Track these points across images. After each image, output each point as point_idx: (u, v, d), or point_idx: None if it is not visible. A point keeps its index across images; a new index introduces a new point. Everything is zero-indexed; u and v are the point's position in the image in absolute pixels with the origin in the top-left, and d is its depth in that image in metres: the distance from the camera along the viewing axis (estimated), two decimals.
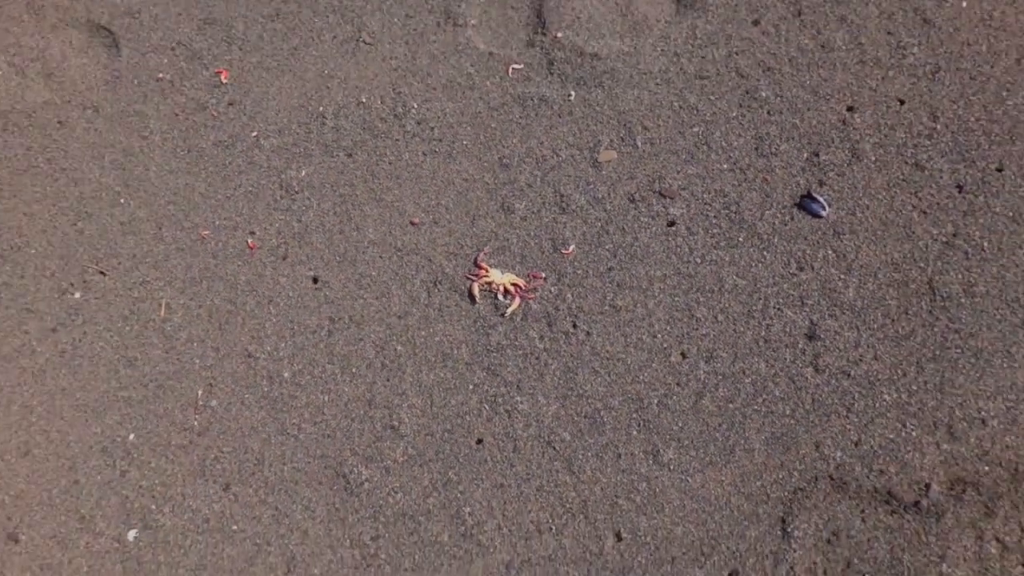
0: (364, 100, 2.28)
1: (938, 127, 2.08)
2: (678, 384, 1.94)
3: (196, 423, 2.06)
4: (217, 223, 2.22)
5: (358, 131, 2.26)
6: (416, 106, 2.26)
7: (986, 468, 1.80)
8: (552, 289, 2.06)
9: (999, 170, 2.02)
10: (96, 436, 2.08)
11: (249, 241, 2.20)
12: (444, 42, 2.31)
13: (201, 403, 2.07)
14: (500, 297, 2.07)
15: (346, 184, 2.21)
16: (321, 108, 2.29)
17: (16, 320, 2.19)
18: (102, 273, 2.21)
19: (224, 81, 2.35)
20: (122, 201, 2.27)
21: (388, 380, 2.03)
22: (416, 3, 2.34)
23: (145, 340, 2.14)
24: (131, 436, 2.07)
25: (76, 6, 2.45)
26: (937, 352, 1.89)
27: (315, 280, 2.15)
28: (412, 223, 2.16)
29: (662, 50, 2.23)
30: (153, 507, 2.01)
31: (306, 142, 2.26)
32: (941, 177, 2.03)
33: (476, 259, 2.10)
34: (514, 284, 2.06)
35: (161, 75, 2.37)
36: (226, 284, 2.16)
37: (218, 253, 2.20)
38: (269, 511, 1.97)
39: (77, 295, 2.20)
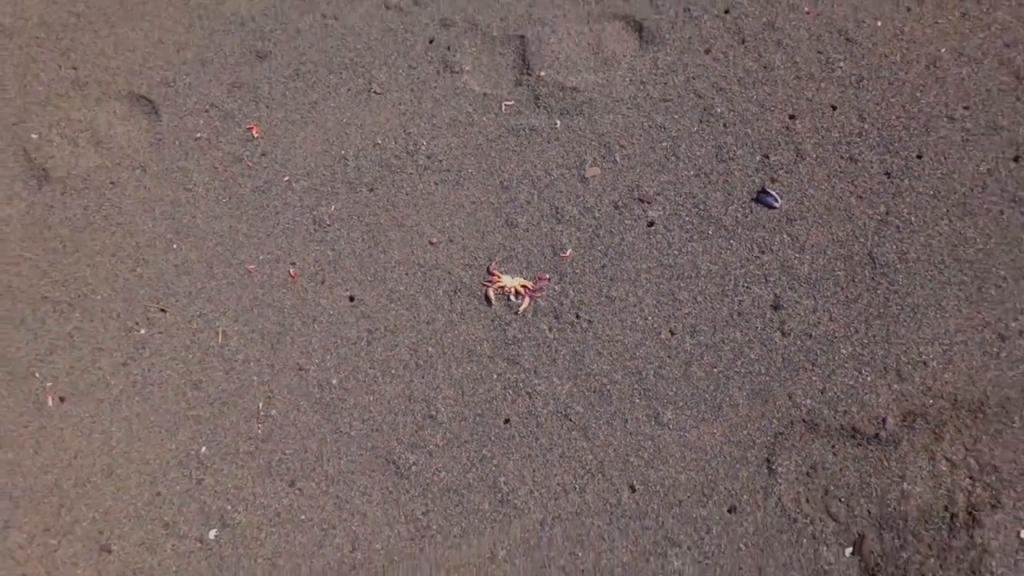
0: (379, 142, 2.62)
1: (866, 126, 2.47)
2: (669, 357, 2.29)
3: (260, 431, 2.36)
4: (261, 258, 2.54)
5: (377, 169, 2.60)
6: (425, 143, 2.61)
7: (931, 401, 2.15)
8: (556, 287, 2.40)
9: (919, 157, 2.41)
10: (172, 452, 2.37)
11: (290, 271, 2.52)
12: (444, 87, 2.66)
13: (262, 413, 2.38)
14: (512, 298, 2.39)
15: (371, 215, 2.55)
16: (343, 151, 2.63)
17: (90, 359, 2.49)
18: (163, 310, 2.51)
19: (255, 135, 2.68)
20: (175, 246, 2.58)
21: (423, 377, 2.36)
22: (417, 56, 2.71)
23: (207, 364, 2.44)
24: (203, 449, 2.36)
25: (117, 80, 2.78)
26: (881, 310, 2.26)
27: (352, 299, 2.47)
28: (431, 243, 2.50)
29: (630, 80, 2.61)
30: (229, 508, 2.30)
31: (332, 182, 2.60)
32: (872, 167, 2.42)
33: (488, 268, 2.44)
34: (523, 286, 2.39)
35: (199, 134, 2.70)
36: (274, 309, 2.48)
37: (264, 283, 2.51)
38: (331, 500, 2.27)
39: (142, 331, 2.50)
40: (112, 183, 2.66)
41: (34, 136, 2.73)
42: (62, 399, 2.45)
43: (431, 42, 2.70)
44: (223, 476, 2.32)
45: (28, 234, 2.63)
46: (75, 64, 2.81)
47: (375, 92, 2.67)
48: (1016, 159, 2.36)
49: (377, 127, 2.63)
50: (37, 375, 2.48)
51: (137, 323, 2.50)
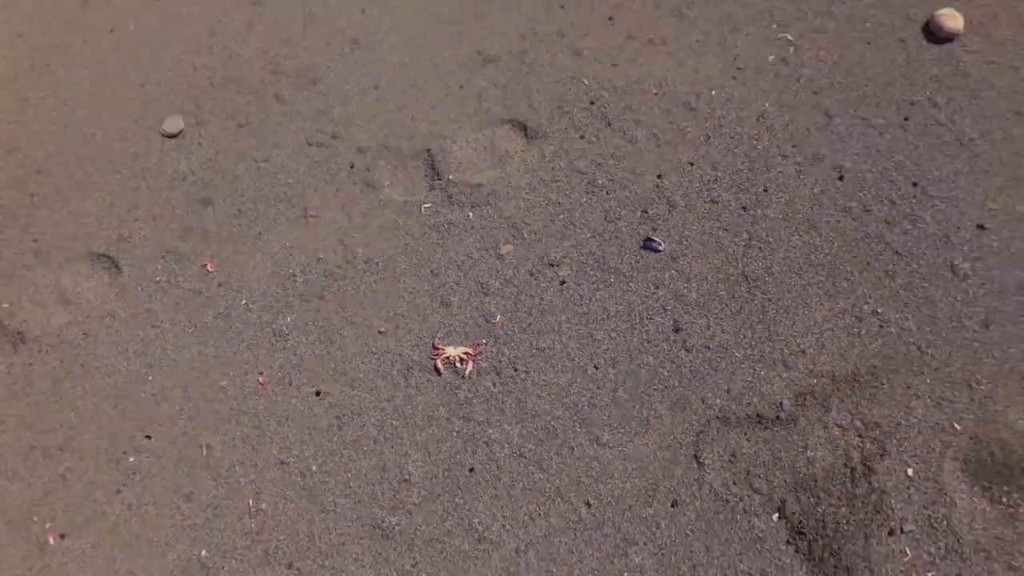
0: (321, 256, 3.02)
1: (718, 173, 3.01)
2: (598, 388, 2.68)
3: (253, 525, 2.61)
4: (231, 374, 2.85)
5: (322, 280, 2.98)
6: (361, 251, 3.02)
7: (815, 381, 2.59)
8: (493, 349, 2.79)
9: (765, 190, 2.95)
10: (175, 561, 2.58)
11: (259, 380, 2.83)
12: (369, 202, 3.10)
13: (253, 509, 2.63)
14: (458, 365, 2.76)
15: (323, 319, 2.91)
16: (291, 270, 3.00)
17: (84, 494, 2.71)
18: (148, 437, 2.77)
19: (211, 270, 3.03)
20: (150, 379, 2.87)
21: (392, 448, 2.67)
22: (342, 180, 3.15)
23: (196, 476, 2.70)
24: (203, 552, 2.59)
25: (76, 245, 3.12)
26: (761, 316, 2.72)
27: (318, 393, 2.79)
28: (380, 332, 2.86)
29: (523, 170, 3.11)
30: None
31: (285, 297, 2.96)
32: (730, 204, 2.94)
33: (433, 343, 2.81)
34: (465, 353, 2.77)
35: (159, 278, 3.04)
36: (250, 416, 2.78)
37: (237, 395, 2.81)
38: (328, 572, 2.51)
39: (131, 459, 2.74)
40: (84, 334, 2.96)
41: (5, 306, 3.02)
42: (63, 536, 2.65)
43: (352, 167, 3.16)
44: (226, 573, 2.54)
45: (11, 393, 2.88)
46: (35, 237, 3.15)
47: (311, 216, 3.09)
48: (840, 178, 2.92)
49: (317, 245, 3.03)
50: (35, 519, 2.68)
51: (125, 452, 2.75)
